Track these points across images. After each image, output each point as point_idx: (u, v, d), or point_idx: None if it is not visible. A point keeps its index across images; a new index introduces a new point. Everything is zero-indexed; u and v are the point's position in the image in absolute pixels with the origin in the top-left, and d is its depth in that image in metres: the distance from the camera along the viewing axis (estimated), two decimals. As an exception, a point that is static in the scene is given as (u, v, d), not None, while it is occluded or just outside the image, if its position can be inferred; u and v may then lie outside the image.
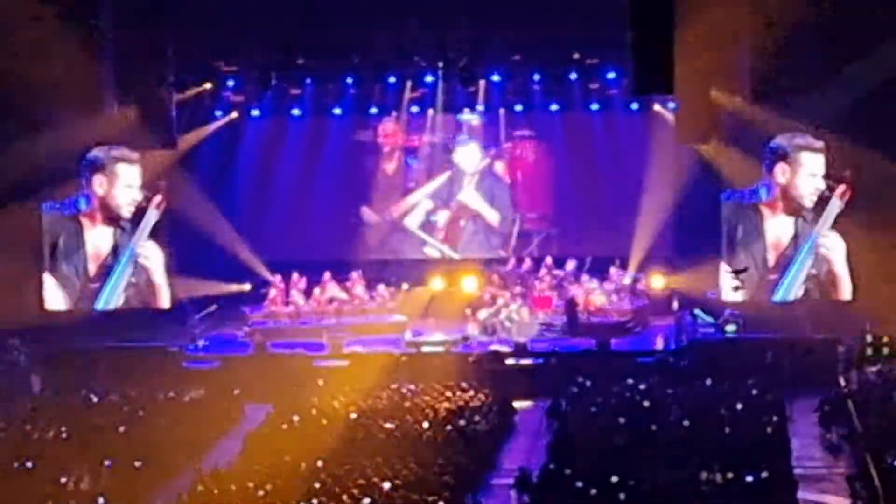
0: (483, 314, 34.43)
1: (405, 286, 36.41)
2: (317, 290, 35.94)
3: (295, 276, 36.18)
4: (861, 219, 31.61)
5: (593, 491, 22.16)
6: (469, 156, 37.91)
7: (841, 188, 30.93)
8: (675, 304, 35.01)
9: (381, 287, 36.26)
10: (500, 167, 37.98)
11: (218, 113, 36.24)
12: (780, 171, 31.30)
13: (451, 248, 38.31)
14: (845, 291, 31.30)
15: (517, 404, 29.57)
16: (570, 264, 36.06)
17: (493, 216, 38.10)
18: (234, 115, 36.58)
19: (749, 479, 22.38)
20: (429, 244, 38.33)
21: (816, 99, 30.74)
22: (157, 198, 32.70)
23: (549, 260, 36.36)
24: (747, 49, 30.52)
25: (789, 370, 29.92)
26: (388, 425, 26.51)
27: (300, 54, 33.90)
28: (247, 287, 36.58)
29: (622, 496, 21.96)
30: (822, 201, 31.08)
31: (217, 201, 36.31)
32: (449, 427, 26.45)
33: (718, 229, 32.97)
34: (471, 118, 37.41)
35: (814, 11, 29.23)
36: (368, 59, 34.10)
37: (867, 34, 30.15)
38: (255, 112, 36.66)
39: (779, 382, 28.89)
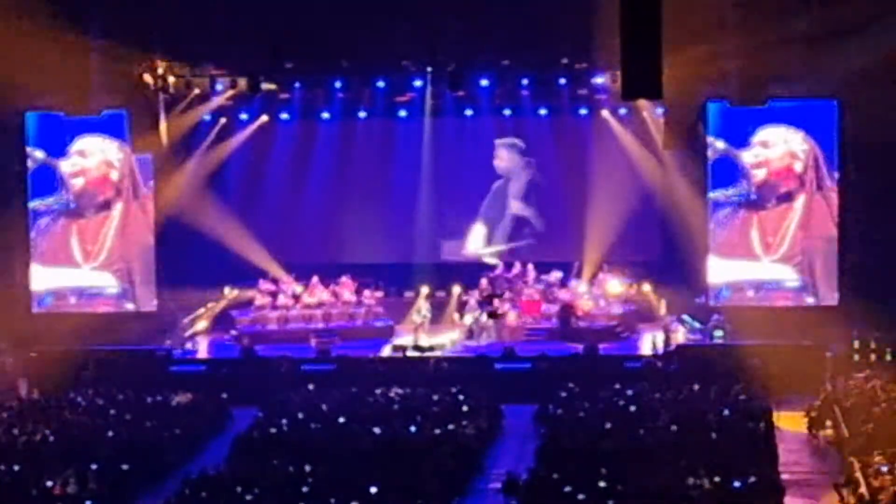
0: (468, 318, 34.53)
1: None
2: (305, 294, 35.92)
3: (283, 279, 36.17)
4: (852, 225, 31.86)
5: (581, 496, 22.13)
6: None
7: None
8: (664, 310, 35.07)
9: (369, 291, 36.29)
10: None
11: (206, 117, 36.20)
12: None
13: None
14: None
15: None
16: (556, 274, 36.09)
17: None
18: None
19: (736, 484, 22.39)
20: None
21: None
22: None
23: (531, 267, 36.41)
24: (734, 52, 30.65)
25: (776, 376, 29.93)
26: (376, 429, 26.49)
27: (289, 58, 33.85)
28: (235, 293, 36.55)
29: (610, 502, 21.96)
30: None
31: (206, 205, 36.35)
32: (437, 431, 26.43)
33: (706, 233, 33.16)
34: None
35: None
36: (357, 62, 34.04)
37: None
38: (244, 116, 36.62)
39: (766, 388, 28.93)
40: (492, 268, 36.94)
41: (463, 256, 38.00)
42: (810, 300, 33.06)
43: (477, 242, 38.14)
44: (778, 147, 32.81)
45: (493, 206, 38.11)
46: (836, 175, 32.62)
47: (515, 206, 37.89)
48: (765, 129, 32.78)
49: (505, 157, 37.74)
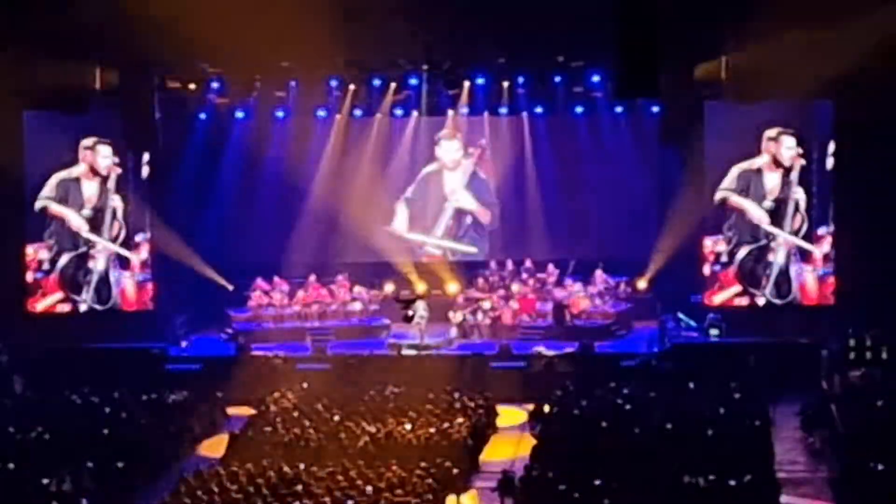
0: (459, 316, 34.55)
1: (389, 287, 36.40)
2: (300, 293, 35.91)
3: (277, 278, 36.15)
4: (847, 223, 31.88)
5: (576, 494, 22.16)
6: (451, 151, 37.73)
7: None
8: (659, 308, 35.07)
9: (364, 290, 36.26)
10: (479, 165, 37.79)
11: (202, 115, 36.18)
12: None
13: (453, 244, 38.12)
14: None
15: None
16: (551, 268, 36.08)
17: (485, 216, 37.85)
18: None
19: (732, 483, 22.41)
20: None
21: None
22: None
23: (530, 263, 36.42)
24: (732, 50, 30.65)
25: (772, 374, 29.95)
26: (371, 428, 26.49)
27: (284, 56, 33.76)
28: (230, 287, 36.53)
29: (605, 500, 21.97)
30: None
31: (201, 202, 36.35)
32: (431, 429, 26.43)
33: (702, 232, 33.17)
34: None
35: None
36: (352, 61, 33.95)
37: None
38: (240, 114, 36.57)
39: (762, 386, 28.94)
40: (485, 265, 36.94)
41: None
42: (805, 298, 33.04)
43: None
44: (774, 148, 32.83)
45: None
46: (831, 174, 32.63)
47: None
48: (762, 130, 32.83)
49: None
